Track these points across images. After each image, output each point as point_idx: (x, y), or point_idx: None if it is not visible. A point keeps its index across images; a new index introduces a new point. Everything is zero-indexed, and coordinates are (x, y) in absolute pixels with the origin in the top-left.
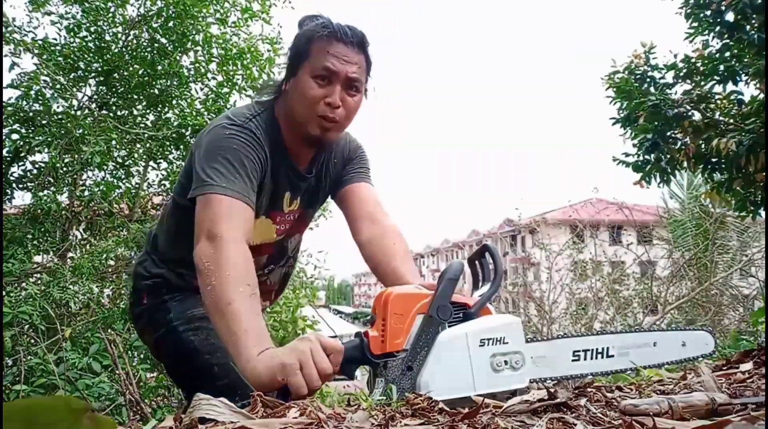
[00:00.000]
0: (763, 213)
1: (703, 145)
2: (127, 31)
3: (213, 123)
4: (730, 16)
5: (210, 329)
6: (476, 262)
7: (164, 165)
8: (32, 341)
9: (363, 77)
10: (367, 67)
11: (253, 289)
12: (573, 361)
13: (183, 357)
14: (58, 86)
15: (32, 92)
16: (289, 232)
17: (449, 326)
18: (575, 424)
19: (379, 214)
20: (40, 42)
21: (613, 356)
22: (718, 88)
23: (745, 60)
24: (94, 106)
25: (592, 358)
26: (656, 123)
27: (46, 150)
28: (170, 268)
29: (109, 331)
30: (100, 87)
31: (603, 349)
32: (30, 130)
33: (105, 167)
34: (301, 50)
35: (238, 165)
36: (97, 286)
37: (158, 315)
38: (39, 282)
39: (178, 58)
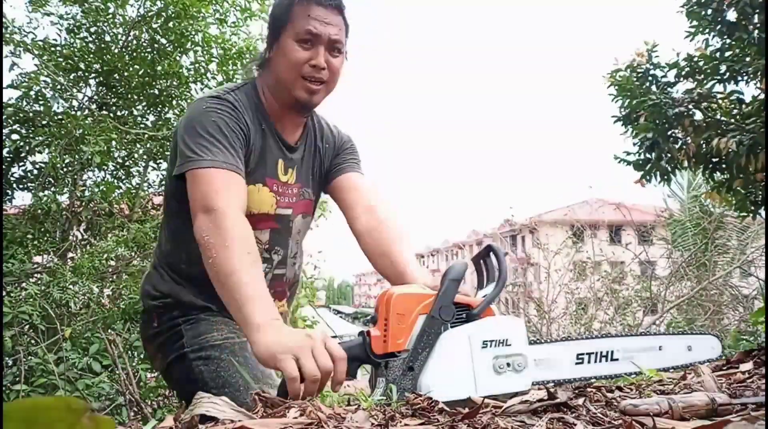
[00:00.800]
0: (763, 213)
1: (703, 145)
2: (127, 32)
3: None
4: (731, 15)
5: (221, 359)
6: (480, 262)
7: (164, 165)
8: (32, 341)
9: (343, 39)
10: (345, 29)
11: (255, 257)
12: (577, 364)
13: (190, 388)
14: (58, 87)
15: (32, 93)
16: (293, 208)
17: (452, 327)
18: (575, 424)
19: (376, 203)
20: (40, 42)
21: (617, 360)
22: (718, 88)
23: (746, 59)
24: (94, 106)
25: (596, 362)
26: (657, 122)
27: (46, 150)
28: (178, 277)
29: (109, 331)
30: (100, 87)
31: (608, 352)
32: (30, 131)
33: (105, 167)
34: (282, 16)
35: (220, 136)
36: (97, 286)
37: (169, 340)
38: (39, 282)
39: (178, 58)
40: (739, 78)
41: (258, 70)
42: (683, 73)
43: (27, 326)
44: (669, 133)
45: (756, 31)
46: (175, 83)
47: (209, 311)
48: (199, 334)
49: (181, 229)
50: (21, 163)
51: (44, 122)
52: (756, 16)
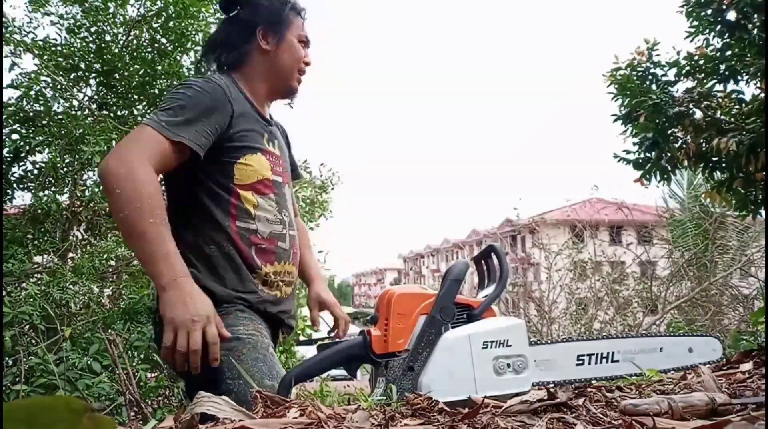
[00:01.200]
0: (763, 213)
1: (703, 144)
2: (127, 32)
3: None
4: (731, 15)
5: (242, 353)
6: (482, 262)
7: None
8: (32, 341)
9: None
10: None
11: (162, 218)
12: (577, 365)
13: (206, 375)
14: (58, 87)
15: (32, 92)
16: (282, 177)
17: (452, 327)
18: (575, 424)
19: (295, 215)
20: (40, 42)
21: (618, 361)
22: (719, 87)
23: (746, 59)
24: (94, 106)
25: (596, 363)
26: (657, 121)
27: (46, 150)
28: (206, 267)
29: (109, 331)
30: (100, 87)
31: (608, 353)
32: (30, 130)
33: None
34: (285, 20)
35: (189, 111)
36: (97, 286)
37: None
38: (39, 282)
39: (178, 57)
40: (740, 77)
41: (233, 62)
42: (683, 71)
43: (27, 326)
44: (669, 132)
45: (756, 31)
46: (175, 83)
47: (241, 304)
48: (226, 325)
49: (191, 211)
50: (21, 163)
51: (44, 122)
52: (756, 15)
